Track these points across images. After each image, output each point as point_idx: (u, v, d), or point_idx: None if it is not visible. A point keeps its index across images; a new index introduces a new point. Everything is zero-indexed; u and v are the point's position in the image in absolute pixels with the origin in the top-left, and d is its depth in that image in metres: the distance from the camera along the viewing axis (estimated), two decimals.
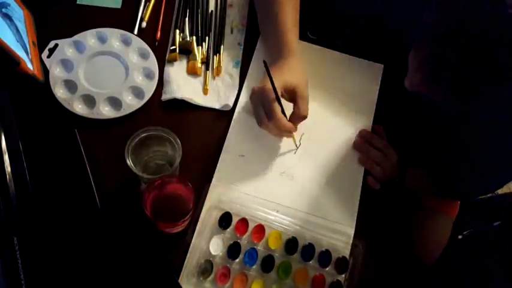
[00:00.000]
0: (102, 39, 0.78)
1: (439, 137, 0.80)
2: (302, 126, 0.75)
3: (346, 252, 0.69)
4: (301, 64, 0.73)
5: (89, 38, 0.78)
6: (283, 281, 0.66)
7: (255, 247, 0.68)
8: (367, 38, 0.84)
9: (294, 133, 0.73)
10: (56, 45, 0.76)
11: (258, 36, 0.83)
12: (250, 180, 0.72)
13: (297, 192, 0.73)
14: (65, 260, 0.63)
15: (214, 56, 0.81)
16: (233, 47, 0.82)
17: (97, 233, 0.66)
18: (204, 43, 0.81)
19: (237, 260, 0.67)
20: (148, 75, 0.77)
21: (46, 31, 0.77)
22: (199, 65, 0.79)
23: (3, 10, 0.69)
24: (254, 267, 0.67)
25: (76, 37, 0.77)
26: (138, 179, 0.65)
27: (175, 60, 0.79)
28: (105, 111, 0.73)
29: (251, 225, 0.69)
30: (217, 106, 0.77)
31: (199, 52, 0.80)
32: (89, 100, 0.74)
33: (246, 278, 0.66)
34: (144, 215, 0.59)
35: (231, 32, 0.83)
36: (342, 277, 0.68)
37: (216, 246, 0.67)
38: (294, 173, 0.74)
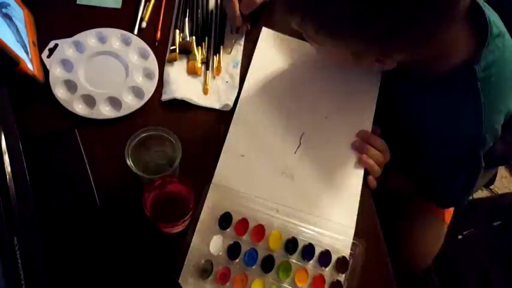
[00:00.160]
0: (102, 39, 0.78)
1: (408, 138, 0.80)
2: (302, 126, 0.75)
3: (346, 252, 0.69)
4: None
5: (89, 38, 0.78)
6: (283, 281, 0.66)
7: (255, 247, 0.68)
8: None
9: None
10: (56, 45, 0.76)
11: (258, 37, 0.83)
12: (250, 180, 0.72)
13: (297, 192, 0.73)
14: (65, 260, 0.63)
15: (214, 56, 0.81)
16: (233, 47, 0.82)
17: (97, 233, 0.66)
18: (204, 43, 0.81)
19: (237, 260, 0.67)
20: (148, 75, 0.77)
21: (46, 31, 0.77)
22: (199, 65, 0.79)
23: (3, 10, 0.69)
24: (254, 267, 0.67)
25: (76, 37, 0.77)
26: (138, 179, 0.65)
27: (175, 60, 0.79)
28: (105, 111, 0.73)
29: (251, 225, 0.69)
30: (217, 106, 0.77)
31: (199, 52, 0.80)
32: (89, 100, 0.74)
33: (246, 278, 0.66)
34: (144, 215, 0.59)
35: (231, 32, 0.83)
36: (342, 277, 0.67)
37: (216, 247, 0.67)
38: (294, 173, 0.74)
